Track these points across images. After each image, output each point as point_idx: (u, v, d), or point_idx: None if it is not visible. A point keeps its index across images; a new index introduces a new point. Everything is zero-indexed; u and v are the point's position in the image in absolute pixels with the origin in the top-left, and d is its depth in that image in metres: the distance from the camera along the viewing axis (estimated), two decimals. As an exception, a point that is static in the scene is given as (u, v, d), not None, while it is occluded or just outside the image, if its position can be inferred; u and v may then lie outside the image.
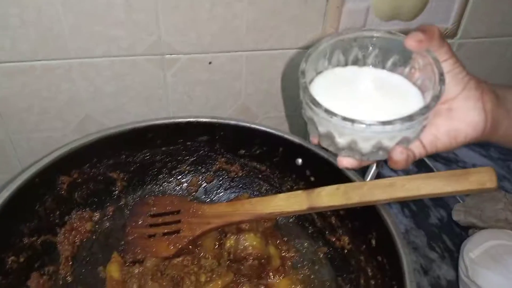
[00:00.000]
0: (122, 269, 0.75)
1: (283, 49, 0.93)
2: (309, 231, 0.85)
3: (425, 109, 0.41)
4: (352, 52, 0.46)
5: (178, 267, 0.76)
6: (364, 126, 0.39)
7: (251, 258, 0.76)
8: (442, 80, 0.42)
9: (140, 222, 0.83)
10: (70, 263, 0.77)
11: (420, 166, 1.10)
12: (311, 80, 0.45)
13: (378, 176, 0.75)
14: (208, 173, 0.92)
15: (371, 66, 0.47)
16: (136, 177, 0.88)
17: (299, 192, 0.74)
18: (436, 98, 0.41)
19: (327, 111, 0.40)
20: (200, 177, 0.93)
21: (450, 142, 0.46)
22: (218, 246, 0.82)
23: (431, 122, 0.45)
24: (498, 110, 0.47)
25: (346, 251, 0.78)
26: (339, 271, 0.77)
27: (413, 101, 0.43)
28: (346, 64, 0.47)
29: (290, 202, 0.74)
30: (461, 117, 0.45)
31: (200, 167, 0.92)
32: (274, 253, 0.80)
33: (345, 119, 0.39)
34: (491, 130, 0.47)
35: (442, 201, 1.02)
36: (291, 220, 0.88)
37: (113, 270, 0.75)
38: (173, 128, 0.85)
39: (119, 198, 0.87)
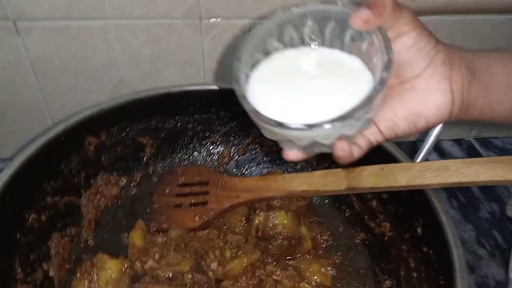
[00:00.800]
0: (145, 237, 0.71)
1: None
2: (346, 214, 0.78)
3: (361, 106, 0.36)
4: (305, 27, 0.42)
5: (203, 240, 0.71)
6: (290, 130, 0.37)
7: (280, 237, 0.70)
8: (387, 66, 0.36)
9: (167, 191, 0.79)
10: (93, 226, 0.74)
11: (471, 154, 1.00)
12: (255, 64, 0.42)
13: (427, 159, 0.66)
14: (241, 145, 0.86)
15: (327, 43, 0.42)
16: (166, 144, 0.84)
17: (338, 170, 0.67)
18: (376, 90, 0.36)
19: (254, 112, 0.38)
20: (232, 149, 0.87)
21: (409, 127, 0.42)
22: (246, 222, 0.76)
23: (388, 104, 0.41)
24: (471, 88, 0.41)
25: (386, 238, 0.70)
26: (377, 260, 0.70)
27: (362, 89, 0.38)
28: (302, 41, 0.43)
29: (327, 180, 0.67)
30: (422, 99, 0.40)
31: (232, 139, 0.86)
32: (305, 234, 0.73)
33: (271, 123, 0.37)
34: (461, 112, 0.42)
35: (494, 194, 0.91)
36: (327, 200, 0.81)
37: (136, 237, 0.71)
38: (207, 95, 0.80)
39: (148, 165, 0.83)
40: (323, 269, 0.71)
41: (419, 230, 0.64)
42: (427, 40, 0.38)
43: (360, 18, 0.36)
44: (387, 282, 0.67)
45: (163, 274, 0.64)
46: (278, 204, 0.75)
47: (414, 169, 0.59)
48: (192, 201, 0.77)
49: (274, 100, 0.40)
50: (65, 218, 0.70)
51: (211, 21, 0.84)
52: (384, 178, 0.61)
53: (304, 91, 0.40)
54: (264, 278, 0.65)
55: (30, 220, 0.63)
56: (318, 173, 0.69)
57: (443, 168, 0.56)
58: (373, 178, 0.62)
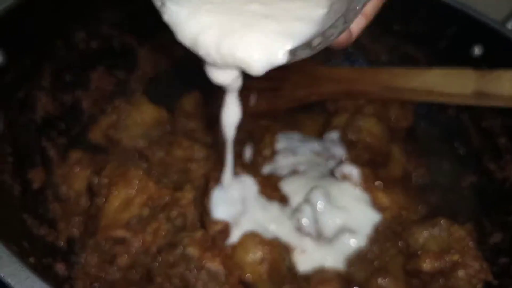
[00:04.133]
0: (197, 107, 0.62)
1: None
2: (458, 152, 0.61)
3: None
4: None
5: (262, 128, 0.60)
6: None
7: (362, 145, 0.55)
8: None
9: (238, 71, 0.70)
10: (146, 81, 0.67)
11: None
12: None
13: None
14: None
15: None
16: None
17: (468, 70, 0.51)
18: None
19: None
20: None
21: None
22: (323, 128, 0.63)
23: None
24: None
25: (508, 185, 0.52)
26: (489, 210, 0.54)
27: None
28: None
29: (449, 79, 0.52)
30: None
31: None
32: (397, 155, 0.58)
33: None
34: None
35: None
36: (435, 131, 0.65)
37: (188, 103, 0.63)
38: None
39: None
40: (407, 204, 0.55)
41: None
42: None
43: None
44: (496, 235, 0.50)
45: (202, 138, 0.54)
46: (370, 111, 0.61)
47: None
48: (263, 86, 0.66)
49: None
50: (117, 59, 0.64)
51: None
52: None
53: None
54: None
55: (76, 37, 0.58)
56: (437, 71, 0.54)
57: None
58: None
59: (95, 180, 0.44)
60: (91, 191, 0.46)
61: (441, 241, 0.43)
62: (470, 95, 0.48)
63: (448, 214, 0.55)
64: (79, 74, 0.59)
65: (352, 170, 0.49)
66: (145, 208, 0.43)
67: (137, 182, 0.43)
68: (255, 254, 0.42)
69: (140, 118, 0.54)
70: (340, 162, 0.52)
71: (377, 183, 0.53)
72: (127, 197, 0.42)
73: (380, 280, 0.44)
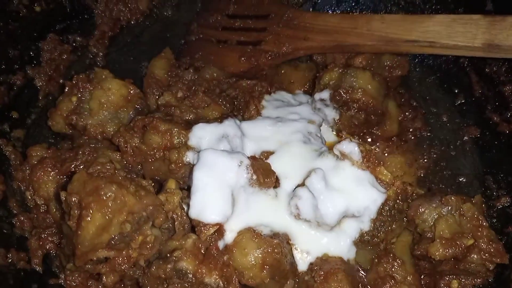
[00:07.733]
0: (170, 70, 0.55)
1: None
2: (458, 102, 0.57)
3: None
4: None
5: (245, 90, 0.53)
6: None
7: (356, 106, 0.50)
8: None
9: (211, 21, 0.61)
10: (107, 42, 0.59)
11: None
12: None
13: None
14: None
15: None
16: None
17: (476, 16, 0.45)
18: None
19: None
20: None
21: None
22: (311, 85, 0.57)
23: None
24: None
25: (516, 140, 0.48)
26: (492, 167, 0.50)
27: None
28: None
29: (453, 29, 0.45)
30: None
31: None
32: (393, 112, 0.53)
33: None
34: None
35: None
36: (433, 78, 0.60)
37: (159, 66, 0.54)
38: None
39: (194, -17, 0.63)
40: (403, 164, 0.52)
41: None
42: None
43: None
44: (504, 199, 0.47)
45: (181, 115, 0.48)
46: (362, 64, 0.54)
47: None
48: (242, 38, 0.58)
49: None
50: (69, 21, 0.55)
51: None
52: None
53: None
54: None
55: (15, 3, 0.47)
56: (440, 17, 0.47)
57: None
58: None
59: (63, 196, 0.38)
60: (60, 208, 0.40)
61: (452, 221, 0.40)
62: (480, 47, 0.42)
63: (449, 173, 0.52)
64: (27, 47, 0.50)
65: (354, 148, 0.43)
66: (126, 224, 0.38)
67: (112, 203, 0.36)
68: (255, 257, 0.38)
69: (106, 98, 0.46)
70: (339, 139, 0.47)
71: (374, 147, 0.49)
72: (103, 222, 0.36)
73: (388, 266, 0.41)
